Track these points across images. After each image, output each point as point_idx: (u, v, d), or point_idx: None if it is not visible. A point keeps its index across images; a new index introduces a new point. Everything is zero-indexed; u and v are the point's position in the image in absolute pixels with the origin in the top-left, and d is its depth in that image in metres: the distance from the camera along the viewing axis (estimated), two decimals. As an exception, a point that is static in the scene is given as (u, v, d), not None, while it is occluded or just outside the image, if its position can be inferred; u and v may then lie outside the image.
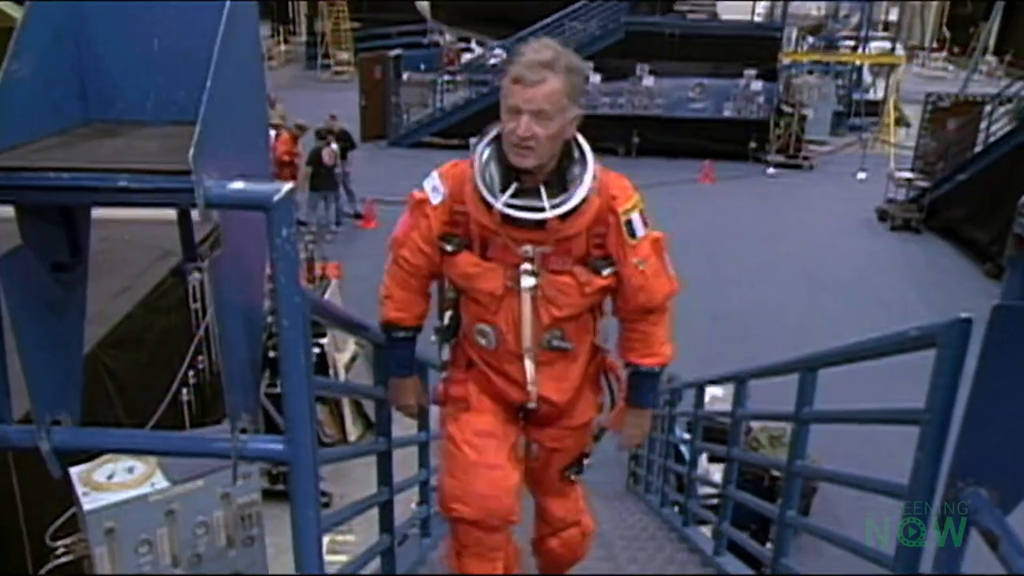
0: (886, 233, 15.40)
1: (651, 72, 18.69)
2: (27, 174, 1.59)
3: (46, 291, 1.77)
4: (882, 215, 15.84)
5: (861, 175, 18.03)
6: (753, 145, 19.10)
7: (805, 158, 19.32)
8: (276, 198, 1.56)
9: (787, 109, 19.62)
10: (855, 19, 21.66)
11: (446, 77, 21.39)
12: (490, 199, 2.37)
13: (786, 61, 20.44)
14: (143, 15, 1.92)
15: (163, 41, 1.92)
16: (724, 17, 20.33)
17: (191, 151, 1.51)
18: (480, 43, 24.41)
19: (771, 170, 18.85)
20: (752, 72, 18.98)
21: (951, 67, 27.73)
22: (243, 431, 1.78)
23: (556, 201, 2.36)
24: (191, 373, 6.06)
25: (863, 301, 11.90)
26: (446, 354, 2.88)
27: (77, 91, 1.89)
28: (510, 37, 18.37)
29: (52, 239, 1.76)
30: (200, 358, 6.19)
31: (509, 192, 2.36)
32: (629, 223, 2.44)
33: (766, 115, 19.23)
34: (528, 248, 2.45)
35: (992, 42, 23.91)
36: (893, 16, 25.54)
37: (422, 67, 22.36)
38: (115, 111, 1.94)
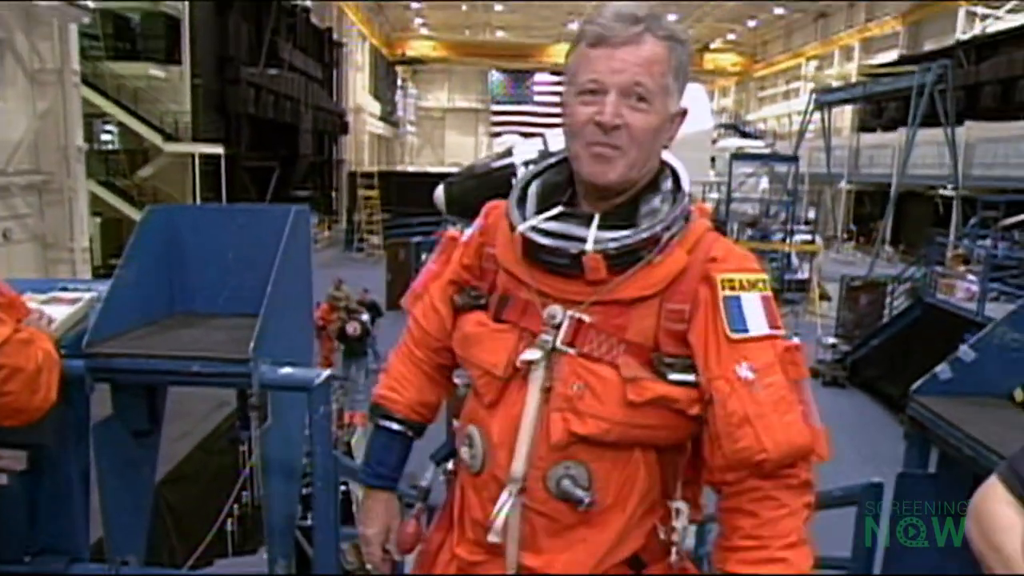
0: (818, 388, 15.34)
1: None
2: (121, 360, 1.65)
3: (128, 452, 1.79)
4: (814, 373, 15.77)
5: (795, 339, 18.11)
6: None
7: (748, 326, 19.56)
8: (316, 382, 1.61)
9: (732, 286, 20.04)
10: (783, 216, 22.46)
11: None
12: (515, 219, 1.29)
13: (730, 248, 21.07)
14: (223, 231, 2.03)
15: (236, 250, 2.02)
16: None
17: (251, 343, 1.57)
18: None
19: (721, 335, 19.04)
20: (702, 257, 19.55)
21: (859, 253, 28.65)
22: None
23: (611, 235, 1.22)
24: (236, 506, 5.93)
25: (801, 446, 11.70)
26: (431, 477, 1.53)
27: (167, 290, 1.98)
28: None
29: (136, 410, 1.80)
30: (244, 492, 6.08)
31: (548, 213, 1.27)
32: (733, 302, 1.20)
33: (715, 291, 19.63)
34: (556, 310, 1.24)
35: (888, 235, 24.89)
36: (812, 214, 26.56)
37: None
38: (194, 305, 2.02)
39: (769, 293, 1.23)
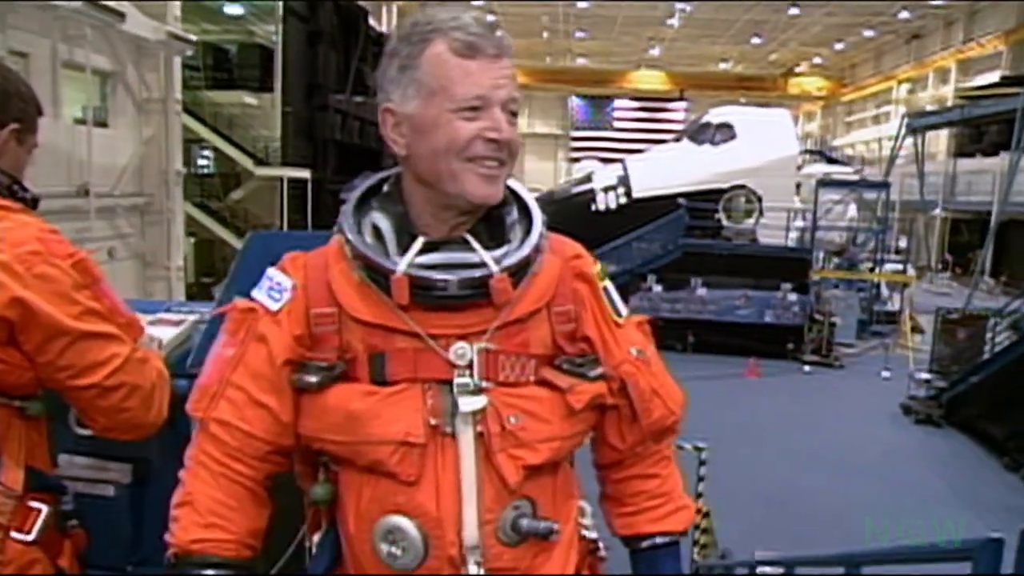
0: (911, 426, 14.59)
1: (704, 284, 18.86)
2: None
3: (224, 470, 1.86)
4: (906, 410, 15.09)
5: (885, 374, 17.36)
6: (790, 346, 18.75)
7: (835, 358, 18.84)
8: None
9: (818, 317, 19.37)
10: (871, 244, 21.61)
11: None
12: (384, 263, 1.11)
13: (816, 277, 20.35)
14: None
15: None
16: (763, 241, 20.55)
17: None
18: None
19: (806, 368, 18.37)
20: (787, 286, 18.99)
21: (955, 284, 27.18)
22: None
23: (499, 253, 1.14)
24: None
25: (894, 487, 11.13)
26: None
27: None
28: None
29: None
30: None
31: (416, 248, 1.12)
32: (607, 292, 1.25)
33: (800, 321, 19.01)
34: (463, 348, 1.11)
35: (988, 265, 23.56)
36: (903, 243, 25.44)
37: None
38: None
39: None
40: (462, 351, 1.11)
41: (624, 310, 1.26)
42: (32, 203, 1.52)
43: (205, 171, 22.59)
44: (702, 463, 6.19)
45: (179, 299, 12.71)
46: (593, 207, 19.80)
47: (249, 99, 20.64)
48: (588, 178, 21.13)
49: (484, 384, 1.11)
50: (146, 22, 13.38)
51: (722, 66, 46.50)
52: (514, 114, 1.14)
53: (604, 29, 39.28)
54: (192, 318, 1.97)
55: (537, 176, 43.16)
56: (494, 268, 1.12)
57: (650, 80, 47.79)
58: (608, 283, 1.26)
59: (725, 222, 20.77)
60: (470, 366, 1.11)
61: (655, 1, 33.83)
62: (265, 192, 20.49)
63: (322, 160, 22.34)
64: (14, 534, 1.41)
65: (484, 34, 1.10)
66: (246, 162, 20.02)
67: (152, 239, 15.11)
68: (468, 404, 1.09)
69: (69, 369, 1.40)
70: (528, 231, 1.19)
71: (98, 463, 1.95)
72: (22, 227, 1.41)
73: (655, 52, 43.48)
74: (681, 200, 19.11)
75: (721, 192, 20.63)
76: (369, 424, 1.10)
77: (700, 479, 6.23)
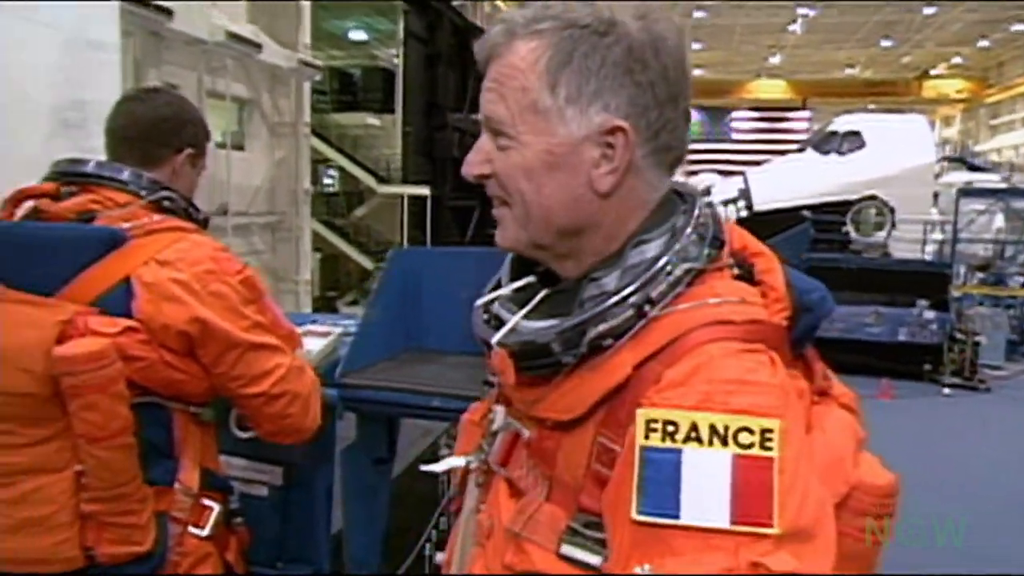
0: (1069, 460, 13.32)
1: (830, 300, 18.06)
2: (368, 391, 1.81)
3: (368, 477, 1.96)
4: (1065, 442, 13.79)
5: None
6: (927, 367, 17.57)
7: (981, 381, 17.46)
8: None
9: (960, 336, 18.07)
10: (1022, 258, 19.99)
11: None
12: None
13: (956, 294, 19.04)
14: (456, 272, 2.17)
15: (468, 290, 2.15)
16: (896, 255, 19.45)
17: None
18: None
19: (946, 391, 17.11)
20: (924, 302, 17.80)
21: (1126, 302, 24.66)
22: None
23: (536, 325, 0.84)
24: (434, 531, 6.18)
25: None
26: None
27: (403, 327, 2.14)
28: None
29: (377, 439, 1.96)
30: (442, 518, 6.33)
31: (510, 285, 0.95)
32: (660, 458, 0.69)
33: (939, 340, 17.75)
34: (499, 412, 0.94)
35: None
36: (1061, 256, 23.35)
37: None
38: (426, 342, 2.17)
39: (771, 455, 0.68)
40: (495, 415, 0.94)
41: (697, 513, 0.67)
42: (203, 223, 1.67)
43: (330, 190, 23.74)
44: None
45: (307, 311, 13.38)
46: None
47: (372, 120, 21.56)
48: (707, 191, 20.72)
49: (496, 468, 0.91)
50: (280, 51, 14.26)
51: (848, 72, 44.47)
52: (500, 133, 0.84)
53: (722, 39, 38.45)
54: (338, 330, 2.09)
55: (652, 190, 42.67)
56: (496, 338, 0.86)
57: (770, 89, 46.35)
58: (699, 451, 0.68)
59: (854, 235, 19.79)
60: (495, 436, 0.93)
61: (776, 7, 32.80)
62: (387, 209, 21.28)
63: (441, 177, 22.97)
64: (191, 529, 1.54)
65: (486, 39, 0.86)
66: (369, 180, 20.91)
67: (282, 255, 16.02)
68: (472, 480, 0.96)
69: (241, 379, 1.53)
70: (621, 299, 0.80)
71: (253, 465, 2.10)
72: (198, 247, 1.55)
73: (775, 60, 42.15)
74: (806, 212, 18.37)
75: (849, 204, 19.70)
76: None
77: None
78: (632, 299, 0.79)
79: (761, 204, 19.38)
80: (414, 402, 1.74)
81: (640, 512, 0.69)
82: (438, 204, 21.82)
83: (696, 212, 0.86)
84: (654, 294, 0.79)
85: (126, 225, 1.50)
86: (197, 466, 1.58)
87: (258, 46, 13.17)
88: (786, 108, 45.29)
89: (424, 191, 21.16)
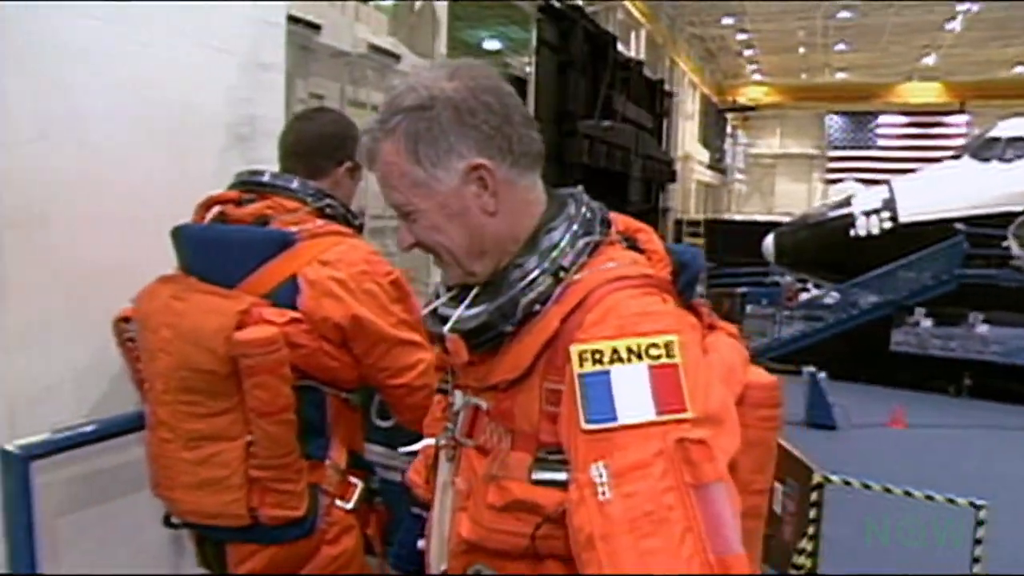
0: None
1: (985, 320, 16.71)
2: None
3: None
4: None
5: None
6: (1098, 396, 15.95)
7: None
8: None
9: None
10: None
11: (785, 312, 20.87)
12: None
13: None
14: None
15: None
16: (1067, 274, 17.77)
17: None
18: (817, 285, 23.68)
19: (1121, 423, 15.48)
20: (1096, 326, 16.17)
21: None
22: None
23: (474, 311, 1.06)
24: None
25: None
26: None
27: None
28: (844, 282, 17.65)
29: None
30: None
31: (448, 294, 1.16)
32: (594, 380, 0.93)
33: (1113, 368, 16.05)
34: (457, 396, 1.15)
35: None
36: None
37: (763, 302, 22.12)
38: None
39: (675, 360, 0.90)
40: (454, 399, 1.16)
41: (631, 413, 0.89)
42: (359, 228, 1.86)
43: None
44: (980, 523, 5.51)
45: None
46: (852, 232, 18.39)
47: (504, 127, 22.07)
48: (847, 201, 19.73)
49: (464, 440, 1.11)
50: (418, 61, 14.89)
51: (1017, 71, 40.95)
52: (406, 213, 1.08)
53: (869, 40, 36.41)
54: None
55: (789, 198, 41.08)
56: (447, 326, 1.08)
57: (923, 92, 43.36)
58: (623, 367, 0.91)
59: (1016, 250, 18.22)
60: (457, 415, 1.13)
61: (932, 4, 30.77)
62: (517, 215, 21.69)
63: (571, 183, 22.93)
64: (338, 502, 1.73)
65: (363, 140, 1.11)
66: (500, 187, 21.41)
67: (412, 258, 16.66)
68: (443, 456, 1.16)
69: (387, 370, 1.70)
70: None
71: (389, 452, 2.28)
72: (354, 249, 1.74)
73: (929, 61, 39.41)
74: (959, 225, 17.09)
75: (1012, 216, 18.17)
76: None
77: (977, 541, 5.55)
78: (550, 270, 1.04)
79: (908, 215, 18.22)
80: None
81: (587, 422, 0.91)
82: (566, 210, 22.01)
83: (584, 202, 1.12)
84: (565, 263, 1.04)
85: (294, 229, 1.72)
86: (345, 445, 1.77)
87: (397, 57, 13.81)
88: (941, 112, 42.32)
89: (552, 197, 21.39)
